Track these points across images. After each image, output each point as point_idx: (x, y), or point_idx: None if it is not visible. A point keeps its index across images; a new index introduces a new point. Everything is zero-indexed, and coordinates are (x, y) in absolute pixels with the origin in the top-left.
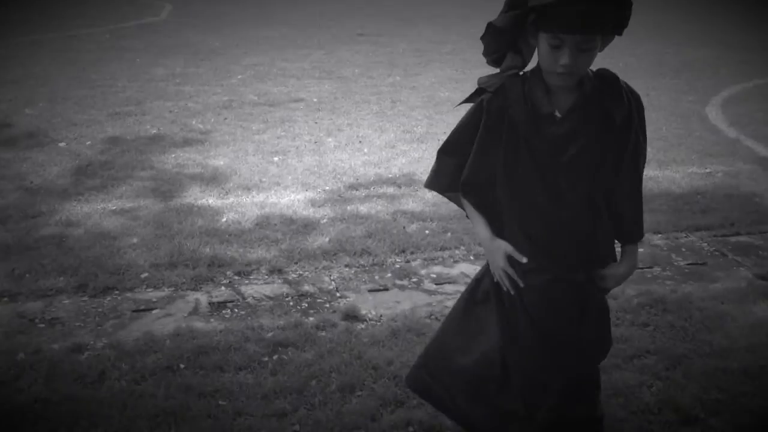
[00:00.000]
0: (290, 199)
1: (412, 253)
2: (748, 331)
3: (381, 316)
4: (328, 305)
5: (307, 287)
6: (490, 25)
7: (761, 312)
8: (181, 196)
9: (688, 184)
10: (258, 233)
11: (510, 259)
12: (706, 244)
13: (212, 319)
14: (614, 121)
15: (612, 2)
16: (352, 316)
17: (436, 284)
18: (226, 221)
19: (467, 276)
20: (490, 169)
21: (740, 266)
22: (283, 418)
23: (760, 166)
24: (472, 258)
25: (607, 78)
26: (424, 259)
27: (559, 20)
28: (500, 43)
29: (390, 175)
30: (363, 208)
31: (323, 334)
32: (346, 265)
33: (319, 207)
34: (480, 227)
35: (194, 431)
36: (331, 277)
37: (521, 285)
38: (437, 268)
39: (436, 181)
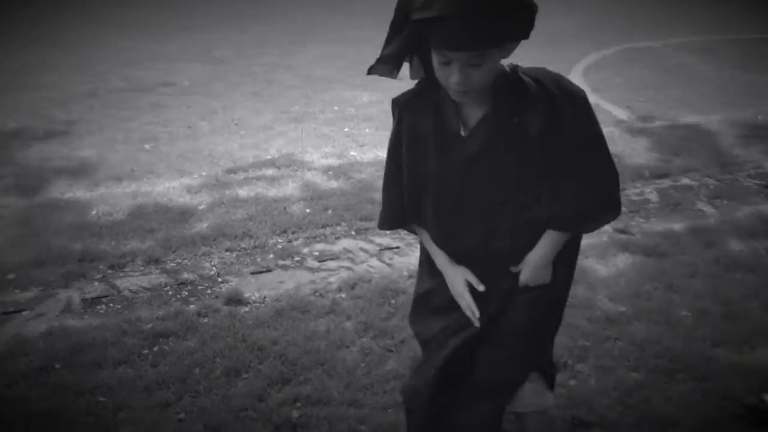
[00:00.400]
0: (165, 187)
1: (293, 232)
2: (611, 281)
3: (265, 297)
4: (209, 291)
5: (186, 275)
6: (381, 58)
7: (620, 263)
8: (47, 191)
9: None
10: (131, 224)
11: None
12: None
13: (86, 316)
14: (528, 132)
15: (495, 13)
16: (235, 300)
17: (319, 261)
18: (96, 214)
19: (350, 251)
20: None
21: None
22: (167, 408)
23: (617, 128)
24: (353, 233)
25: (522, 84)
26: (306, 238)
27: (441, 37)
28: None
29: (269, 157)
30: (242, 192)
31: (205, 320)
32: (227, 250)
33: (195, 193)
34: (438, 255)
35: (73, 430)
36: (212, 263)
37: (477, 314)
38: (320, 246)
39: (386, 219)
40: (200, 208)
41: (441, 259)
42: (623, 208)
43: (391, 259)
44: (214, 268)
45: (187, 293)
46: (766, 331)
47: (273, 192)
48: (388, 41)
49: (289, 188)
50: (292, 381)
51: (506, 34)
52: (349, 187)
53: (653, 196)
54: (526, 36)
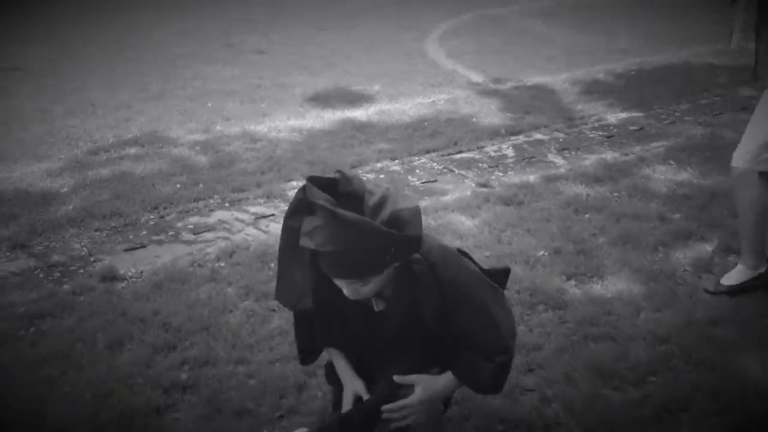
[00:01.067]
0: (22, 173)
1: (165, 208)
2: (476, 231)
3: (142, 272)
4: (82, 271)
5: (56, 257)
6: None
7: (483, 214)
8: None
9: (416, 113)
10: None
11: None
12: (435, 163)
13: None
14: (423, 314)
15: (367, 253)
16: (110, 277)
17: (194, 234)
18: None
19: (225, 222)
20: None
21: (465, 178)
22: (52, 383)
23: (473, 91)
24: (227, 205)
25: (420, 270)
26: (179, 212)
27: (325, 265)
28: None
29: (130, 136)
30: (106, 172)
31: (81, 299)
32: (96, 230)
33: (56, 176)
34: (343, 371)
35: None
36: (82, 244)
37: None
38: (194, 219)
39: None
40: (63, 191)
41: (346, 375)
42: (483, 165)
43: (267, 226)
44: (84, 248)
45: (59, 275)
46: (613, 263)
47: (139, 170)
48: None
49: (156, 165)
50: (177, 347)
51: (386, 263)
52: (218, 160)
53: (509, 152)
54: (413, 252)
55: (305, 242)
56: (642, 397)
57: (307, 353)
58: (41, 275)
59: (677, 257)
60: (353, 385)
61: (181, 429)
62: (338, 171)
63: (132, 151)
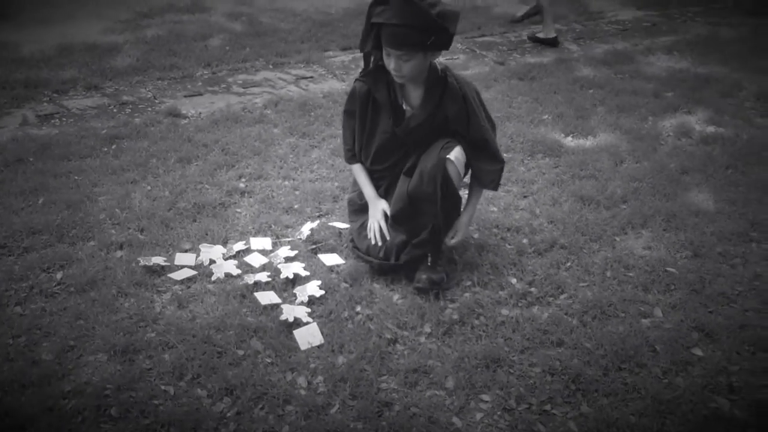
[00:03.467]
0: (88, 30)
1: (216, 65)
2: (491, 98)
3: (200, 113)
4: (150, 109)
5: (126, 97)
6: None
7: (498, 86)
8: None
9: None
10: (65, 58)
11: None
12: (459, 44)
13: (44, 127)
14: (447, 116)
15: (415, 29)
16: (174, 114)
17: (243, 88)
18: (27, 52)
19: (269, 80)
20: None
21: (485, 57)
22: (135, 184)
23: None
24: (271, 67)
25: (445, 80)
26: (229, 70)
27: (384, 37)
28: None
29: (182, 4)
30: (162, 32)
31: (152, 128)
32: (158, 78)
33: (119, 34)
34: (366, 187)
35: (59, 197)
36: (147, 89)
37: (387, 238)
38: (242, 76)
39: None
40: (125, 46)
41: (368, 190)
42: (503, 47)
43: (306, 85)
44: (149, 92)
45: (130, 110)
46: (607, 125)
47: (191, 29)
48: (364, 37)
49: (207, 29)
50: (235, 165)
51: (427, 45)
52: (263, 29)
53: None
54: (446, 48)
55: (376, 19)
56: (611, 216)
57: (351, 153)
58: (115, 110)
59: (663, 125)
60: (380, 204)
61: (242, 218)
62: None
63: (184, 17)
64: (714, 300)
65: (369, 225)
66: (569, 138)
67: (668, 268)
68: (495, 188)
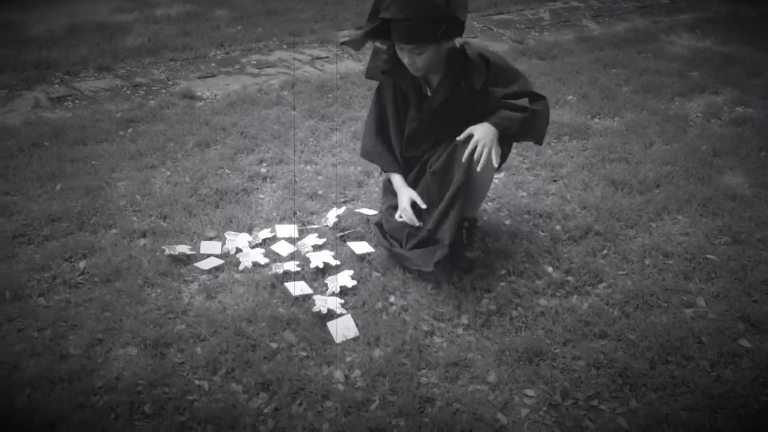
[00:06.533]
0: (95, 8)
1: (230, 45)
2: None
3: (216, 95)
4: (164, 91)
5: (139, 79)
6: (353, 41)
7: (518, 65)
8: None
9: None
10: (74, 38)
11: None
12: (476, 22)
13: (57, 110)
14: (475, 87)
15: (424, 22)
16: (189, 96)
17: (258, 68)
18: (36, 32)
19: (284, 60)
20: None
21: (503, 36)
22: (154, 169)
23: None
24: (285, 47)
25: (465, 55)
26: (243, 50)
27: (393, 32)
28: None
29: None
30: (171, 11)
31: (168, 111)
32: (171, 60)
33: (130, 12)
34: (395, 178)
35: (77, 183)
36: (160, 70)
37: (417, 224)
38: (256, 56)
39: (378, 158)
40: (135, 25)
41: (397, 180)
42: (520, 25)
43: (322, 66)
44: (162, 74)
45: (144, 92)
46: (633, 106)
47: (203, 10)
48: (366, 30)
49: (217, 10)
50: (255, 150)
51: (439, 36)
52: (274, 8)
53: (546, 15)
54: (459, 35)
55: (383, 15)
56: (646, 201)
57: (383, 159)
58: (128, 92)
59: (691, 105)
60: (408, 192)
61: (265, 204)
62: None
63: None
64: (757, 289)
65: (397, 213)
66: (596, 119)
67: (708, 255)
68: (540, 136)
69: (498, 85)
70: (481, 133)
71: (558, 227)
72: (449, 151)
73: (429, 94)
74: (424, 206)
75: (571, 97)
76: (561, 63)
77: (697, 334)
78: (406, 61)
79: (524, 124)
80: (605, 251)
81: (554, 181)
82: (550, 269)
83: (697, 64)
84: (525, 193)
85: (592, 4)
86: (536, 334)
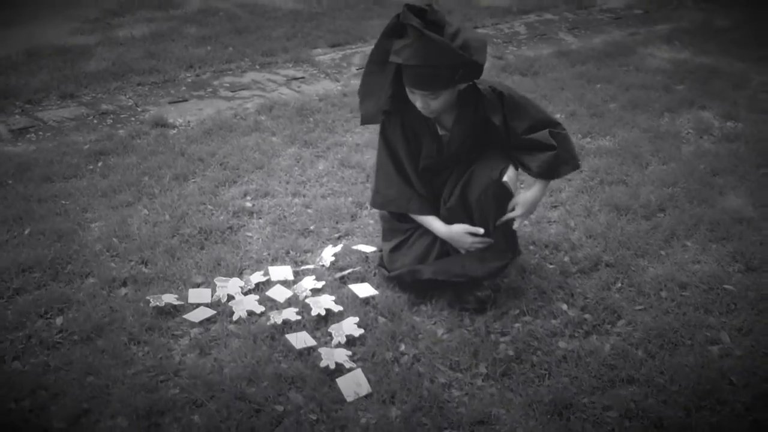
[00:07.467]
0: (56, 31)
1: (200, 67)
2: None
3: (189, 122)
4: (133, 118)
5: (105, 106)
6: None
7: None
8: None
9: None
10: (34, 63)
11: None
12: None
13: (20, 143)
14: (494, 123)
15: (444, 66)
16: (161, 124)
17: (231, 91)
18: None
19: (258, 82)
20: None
21: None
22: (130, 207)
23: None
24: (257, 67)
25: (477, 90)
26: (214, 72)
27: (406, 77)
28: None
29: (154, 1)
30: (135, 32)
31: (139, 141)
32: (139, 84)
33: (89, 35)
34: (434, 222)
35: (47, 226)
36: (127, 96)
37: (491, 241)
38: (228, 78)
39: (409, 203)
40: (98, 48)
41: (437, 225)
42: (497, 40)
43: (299, 87)
44: (130, 99)
45: (112, 120)
46: (624, 124)
47: (167, 29)
48: (370, 72)
49: (184, 29)
50: (237, 181)
51: (455, 81)
52: (242, 26)
53: (522, 29)
54: (477, 78)
55: (394, 58)
56: (652, 227)
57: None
58: (95, 121)
59: (681, 121)
60: (457, 228)
61: (255, 243)
62: (428, 3)
63: (157, 14)
64: None
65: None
66: (587, 139)
67: (726, 286)
68: (576, 164)
69: (515, 119)
70: (525, 208)
71: (566, 258)
72: (462, 185)
73: (440, 131)
74: (481, 231)
75: (559, 115)
76: (544, 79)
77: (727, 374)
78: (419, 104)
79: (556, 161)
80: (619, 284)
81: (554, 207)
82: (564, 307)
83: (681, 77)
84: (527, 222)
85: (567, 16)
86: (561, 382)
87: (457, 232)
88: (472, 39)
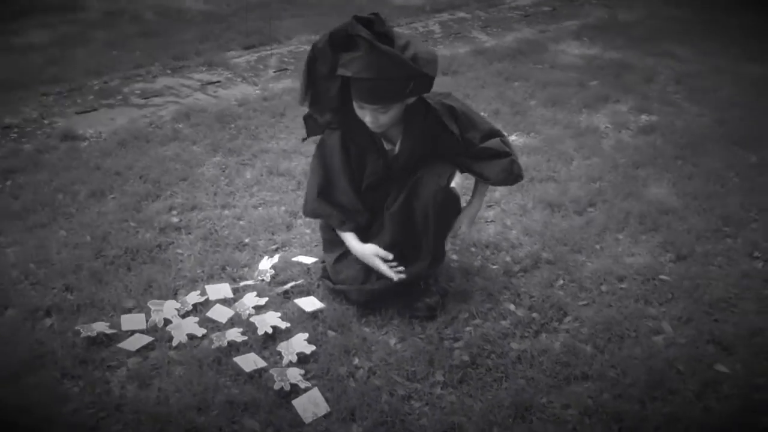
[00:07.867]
0: None
1: (107, 74)
2: None
3: (101, 133)
4: (40, 132)
5: (8, 120)
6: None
7: None
8: None
9: None
10: None
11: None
12: None
13: None
14: (442, 135)
15: (396, 79)
16: (70, 137)
17: (143, 99)
18: None
19: (171, 88)
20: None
21: None
22: (45, 228)
23: None
24: (169, 72)
25: (425, 103)
26: (123, 78)
27: (355, 91)
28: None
29: (52, 4)
30: (33, 39)
31: (48, 156)
32: (42, 94)
33: None
34: (351, 240)
35: None
36: (30, 107)
37: (395, 277)
38: (139, 85)
39: (341, 220)
40: None
41: (352, 242)
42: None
43: (216, 92)
44: (34, 111)
45: (16, 135)
46: (545, 121)
47: (69, 35)
48: (311, 83)
49: (88, 33)
50: (161, 195)
51: (406, 94)
52: (149, 29)
53: (436, 28)
54: (427, 91)
55: (343, 71)
56: (585, 222)
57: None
58: None
59: (598, 116)
60: (370, 248)
61: (186, 260)
62: (374, 13)
63: (55, 18)
64: (715, 307)
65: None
66: (513, 137)
67: (661, 276)
68: (519, 177)
69: (469, 130)
70: (469, 223)
71: (508, 258)
72: (408, 191)
73: (386, 145)
74: (390, 256)
75: (482, 113)
76: (464, 78)
77: (674, 363)
78: (368, 119)
79: (512, 166)
80: (561, 281)
81: (489, 206)
82: (512, 307)
83: (594, 73)
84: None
85: (479, 14)
86: (518, 384)
87: (369, 253)
88: (422, 51)
